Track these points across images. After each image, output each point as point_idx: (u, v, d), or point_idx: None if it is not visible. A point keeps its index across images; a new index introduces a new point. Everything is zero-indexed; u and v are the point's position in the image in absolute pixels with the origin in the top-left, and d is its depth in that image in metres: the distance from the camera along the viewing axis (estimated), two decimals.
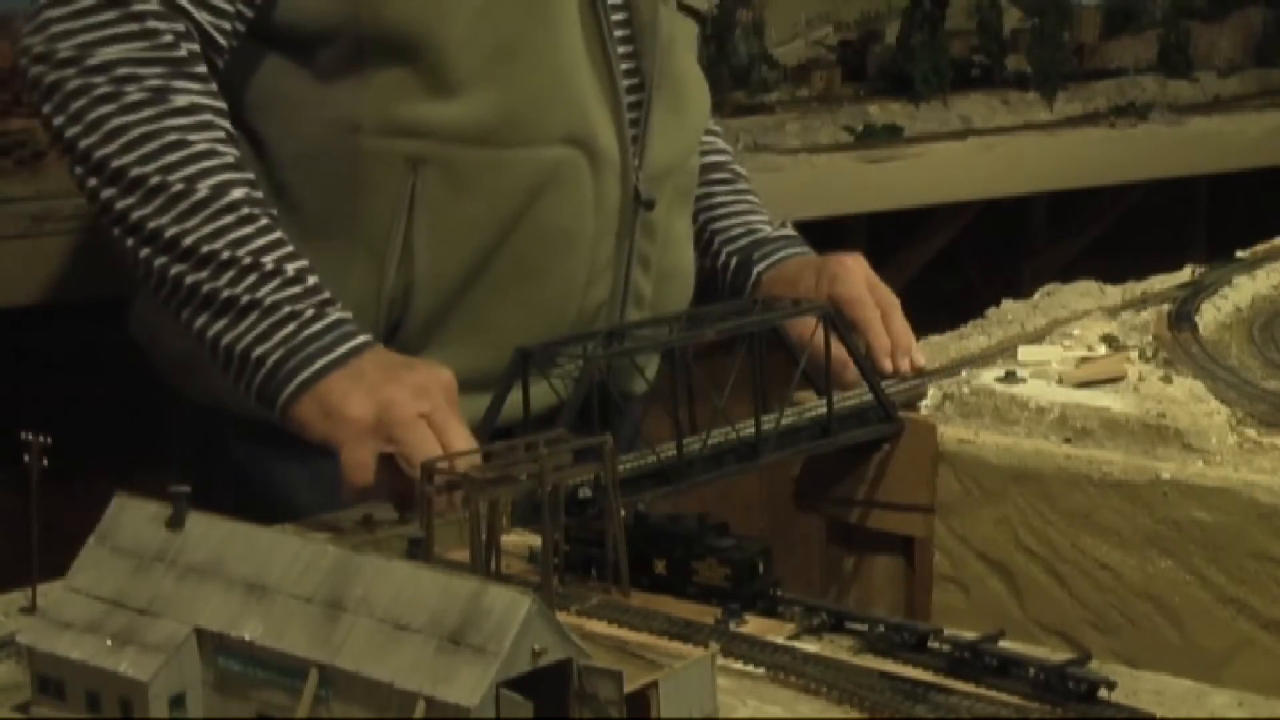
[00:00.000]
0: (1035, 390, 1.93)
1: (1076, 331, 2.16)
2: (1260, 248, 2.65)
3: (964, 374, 2.01)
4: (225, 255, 1.76)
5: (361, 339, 1.78)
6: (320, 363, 1.75)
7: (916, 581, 1.96)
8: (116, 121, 1.78)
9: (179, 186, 1.77)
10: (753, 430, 1.75)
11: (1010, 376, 1.97)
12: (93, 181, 1.79)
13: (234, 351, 1.77)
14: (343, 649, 1.13)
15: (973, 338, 2.22)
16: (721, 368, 1.72)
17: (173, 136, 1.78)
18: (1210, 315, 2.24)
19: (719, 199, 2.31)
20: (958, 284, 4.41)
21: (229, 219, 1.77)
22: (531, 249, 1.97)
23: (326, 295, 1.79)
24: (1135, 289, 2.44)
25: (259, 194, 1.82)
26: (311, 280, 1.79)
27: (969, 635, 1.36)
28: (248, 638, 1.17)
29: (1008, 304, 2.36)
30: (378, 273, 1.94)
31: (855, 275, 2.10)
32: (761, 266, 2.22)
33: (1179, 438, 1.80)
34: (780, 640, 1.38)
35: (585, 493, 1.54)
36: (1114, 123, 4.30)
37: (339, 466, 1.71)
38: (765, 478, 2.25)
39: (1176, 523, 1.76)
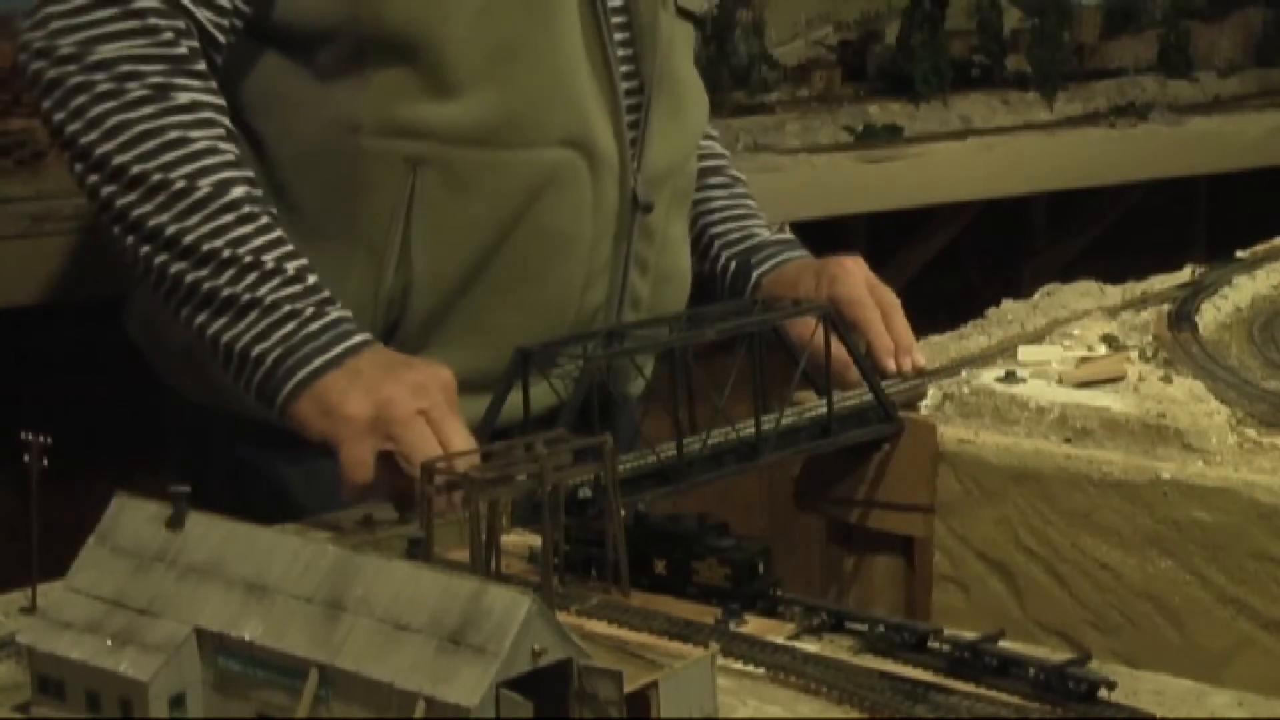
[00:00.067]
0: (1035, 390, 1.93)
1: (1076, 331, 2.16)
2: (1260, 248, 2.65)
3: (964, 374, 2.01)
4: (225, 253, 1.76)
5: (360, 338, 1.78)
6: (318, 361, 1.75)
7: (916, 581, 1.95)
8: (117, 118, 1.78)
9: (179, 184, 1.77)
10: (753, 430, 1.75)
11: (1010, 376, 1.97)
12: (93, 178, 1.79)
13: (233, 350, 1.77)
14: (343, 649, 1.13)
15: (973, 338, 2.22)
16: (721, 368, 1.72)
17: (173, 134, 1.78)
18: (1210, 315, 2.24)
19: (717, 203, 2.31)
20: (958, 284, 4.41)
21: (229, 217, 1.77)
22: (530, 251, 1.97)
23: (326, 294, 1.79)
24: (1135, 289, 2.44)
25: (259, 192, 1.82)
26: (311, 279, 1.79)
27: (969, 635, 1.36)
28: (248, 638, 1.17)
29: (1008, 304, 2.36)
30: (376, 273, 1.94)
31: (855, 277, 2.10)
32: (760, 270, 2.22)
33: (1179, 438, 1.80)
34: (780, 640, 1.38)
35: (585, 493, 1.54)
36: (1114, 123, 4.30)
37: (338, 465, 1.71)
38: (765, 478, 2.25)
39: (1176, 523, 1.76)
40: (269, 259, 1.77)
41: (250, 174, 1.83)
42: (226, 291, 1.76)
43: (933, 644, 1.36)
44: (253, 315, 1.76)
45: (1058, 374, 1.99)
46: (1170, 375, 1.96)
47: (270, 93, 1.95)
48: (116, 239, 1.81)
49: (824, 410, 1.83)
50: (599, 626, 1.38)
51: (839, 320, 1.87)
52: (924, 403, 1.97)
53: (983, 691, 1.28)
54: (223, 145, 1.80)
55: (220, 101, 1.84)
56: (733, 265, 2.25)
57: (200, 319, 1.78)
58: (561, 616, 1.31)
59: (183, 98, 1.80)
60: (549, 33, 1.95)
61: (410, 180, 1.92)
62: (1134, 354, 2.06)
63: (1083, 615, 1.83)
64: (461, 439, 1.68)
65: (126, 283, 2.16)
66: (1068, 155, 4.11)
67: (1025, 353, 2.08)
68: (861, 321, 2.06)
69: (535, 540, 1.49)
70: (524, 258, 1.97)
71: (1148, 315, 2.24)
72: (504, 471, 1.33)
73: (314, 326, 1.76)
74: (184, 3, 1.82)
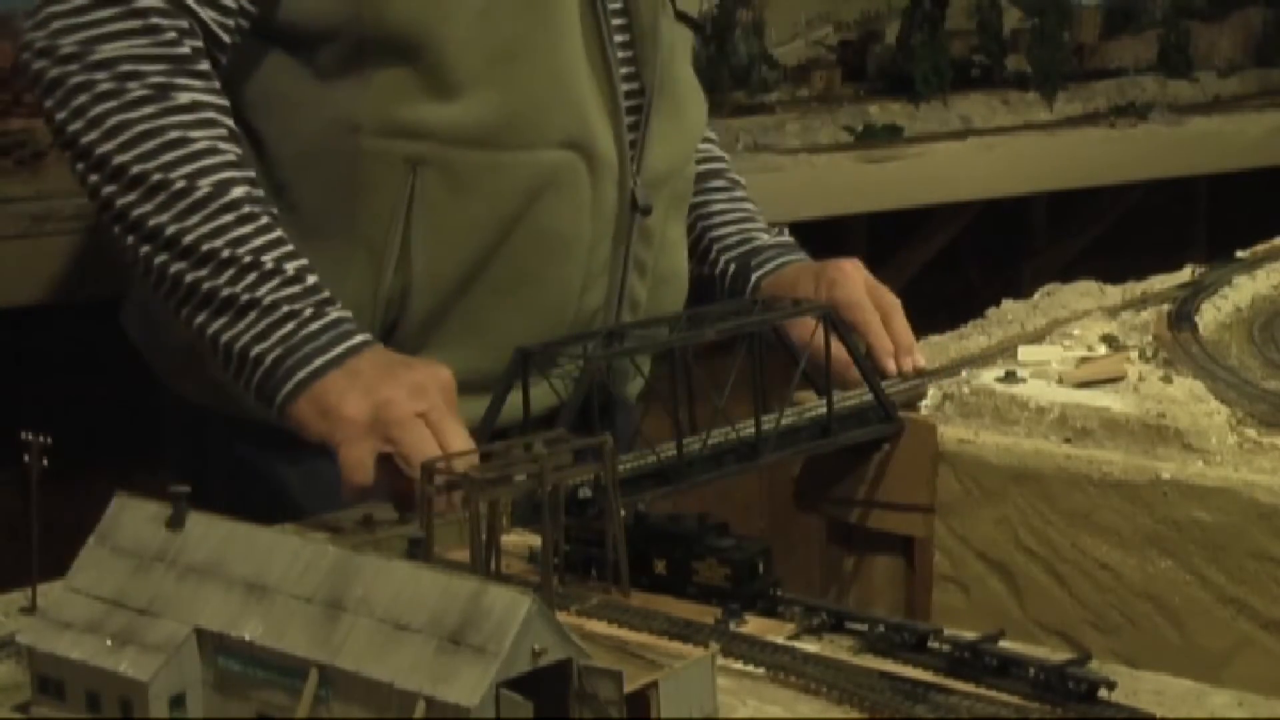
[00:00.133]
0: (1035, 390, 1.93)
1: (1076, 331, 2.16)
2: (1260, 248, 2.65)
3: (964, 374, 2.01)
4: (225, 253, 1.76)
5: (360, 338, 1.78)
6: (317, 362, 1.75)
7: (916, 581, 1.95)
8: (118, 118, 1.78)
9: (180, 184, 1.77)
10: (753, 430, 1.75)
11: (1010, 376, 1.97)
12: (94, 178, 1.79)
13: (232, 350, 1.77)
14: (343, 649, 1.13)
15: (973, 338, 2.22)
16: (721, 368, 1.72)
17: (174, 134, 1.78)
18: (1210, 315, 2.24)
19: (716, 206, 2.31)
20: (958, 284, 4.41)
21: (229, 217, 1.77)
22: (529, 252, 1.97)
23: (326, 294, 1.79)
24: (1135, 289, 2.44)
25: (260, 192, 1.82)
26: (311, 279, 1.79)
27: (969, 635, 1.36)
28: (248, 638, 1.17)
29: (1008, 304, 2.36)
30: (375, 273, 1.94)
31: (854, 280, 2.10)
32: (760, 274, 2.22)
33: (1179, 438, 1.80)
34: (780, 640, 1.38)
35: (585, 493, 1.54)
36: (1114, 123, 4.30)
37: (337, 466, 1.71)
38: (765, 478, 2.24)
39: (1176, 523, 1.76)
40: (268, 259, 1.77)
41: (251, 174, 1.82)
42: (226, 291, 1.76)
43: (933, 644, 1.36)
44: (252, 315, 1.76)
45: (1058, 374, 1.99)
46: (1170, 375, 1.95)
47: (271, 92, 1.95)
48: (117, 239, 1.81)
49: (824, 410, 1.83)
50: (599, 626, 1.38)
51: (839, 320, 1.87)
52: (924, 403, 1.97)
53: (983, 691, 1.28)
54: (224, 145, 1.80)
55: (223, 101, 1.83)
56: (732, 269, 2.25)
57: (200, 319, 1.78)
58: (561, 616, 1.31)
59: (184, 97, 1.80)
60: (549, 34, 1.95)
61: (410, 181, 1.92)
62: (1134, 354, 2.06)
63: (1083, 615, 1.83)
64: (460, 441, 1.68)
65: (124, 283, 2.17)
66: (1068, 155, 4.11)
67: (1025, 353, 2.08)
68: (861, 324, 2.06)
69: (535, 540, 1.49)
70: (523, 259, 1.97)
71: (1148, 315, 2.24)
72: (504, 471, 1.33)
73: (313, 327, 1.76)
74: (188, 2, 1.82)
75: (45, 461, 1.34)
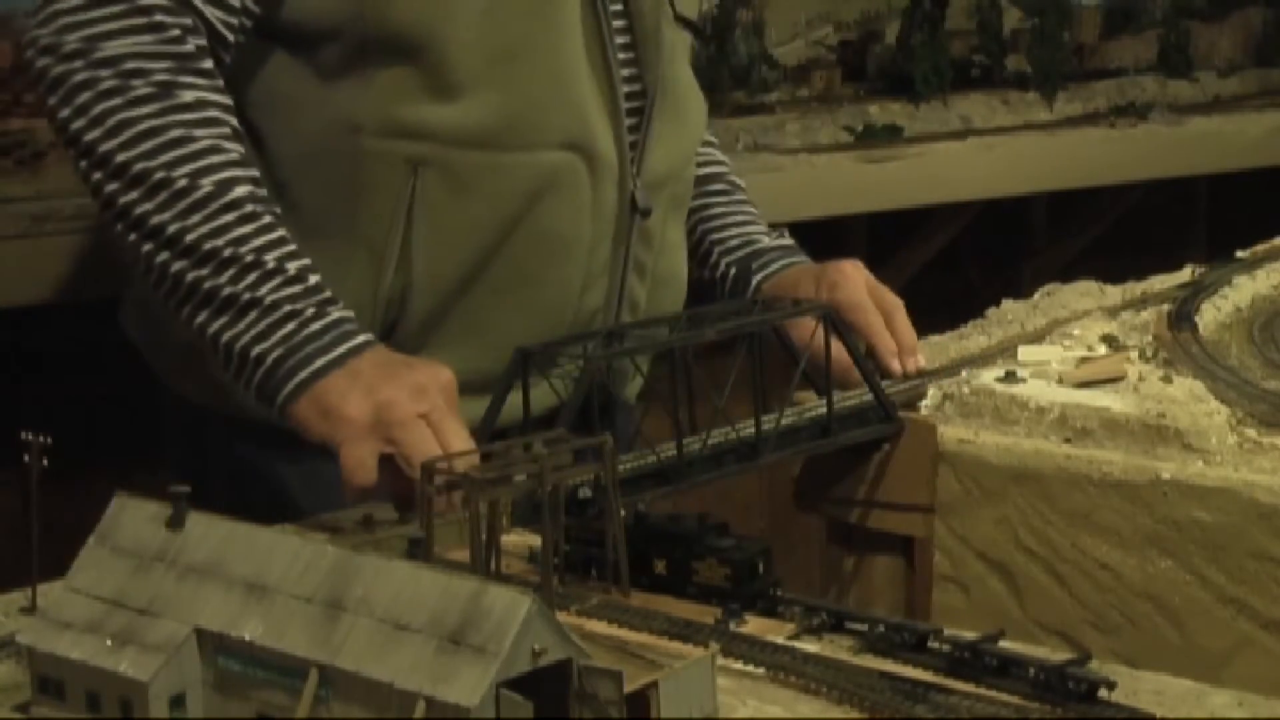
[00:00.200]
0: (1035, 390, 1.93)
1: (1076, 331, 2.16)
2: (1260, 248, 2.65)
3: (964, 374, 2.01)
4: (227, 253, 1.76)
5: (361, 339, 1.78)
6: (319, 363, 1.75)
7: (916, 581, 1.95)
8: (122, 116, 1.77)
9: (182, 182, 1.77)
10: (753, 430, 1.75)
11: (1010, 376, 1.97)
12: (96, 175, 1.79)
13: (233, 349, 1.77)
14: (343, 649, 1.13)
15: (973, 338, 2.22)
16: (721, 368, 1.72)
17: (178, 132, 1.78)
18: (1210, 315, 2.24)
19: (717, 210, 2.31)
20: (958, 284, 4.41)
21: (230, 216, 1.77)
22: (529, 253, 1.97)
23: (327, 294, 1.79)
24: (1135, 289, 2.44)
25: (263, 191, 1.82)
26: (313, 279, 1.79)
27: (969, 635, 1.36)
28: (248, 638, 1.17)
29: (1008, 304, 2.36)
30: (375, 274, 1.94)
31: (854, 281, 2.10)
32: (760, 276, 2.22)
33: (1179, 438, 1.80)
34: (780, 640, 1.38)
35: (585, 493, 1.54)
36: (1114, 123, 4.30)
37: (338, 466, 1.71)
38: (765, 478, 2.25)
39: (1176, 523, 1.76)
40: (270, 258, 1.77)
41: (254, 173, 1.82)
42: (227, 291, 1.76)
43: (933, 644, 1.36)
44: (253, 315, 1.76)
45: (1058, 374, 1.99)
46: (1170, 375, 1.95)
47: (273, 91, 1.95)
48: (118, 237, 1.81)
49: (824, 410, 1.83)
50: (599, 626, 1.38)
51: (839, 321, 1.87)
52: (924, 403, 1.97)
53: (983, 691, 1.28)
54: (226, 144, 1.80)
55: (226, 100, 1.83)
56: (732, 272, 2.25)
57: (201, 318, 1.78)
58: (561, 616, 1.31)
59: (187, 96, 1.79)
60: (550, 35, 1.95)
61: (411, 181, 1.92)
62: (1134, 354, 2.06)
63: (1083, 615, 1.83)
64: (461, 441, 1.68)
65: (123, 282, 2.17)
66: (1068, 155, 4.11)
67: (1025, 353, 2.08)
68: (862, 325, 2.06)
69: (535, 540, 1.49)
70: (523, 260, 1.97)
71: (1148, 315, 2.24)
72: (504, 472, 1.33)
73: (315, 327, 1.76)
74: (192, 0, 1.82)
75: (45, 461, 1.34)
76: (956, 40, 4.32)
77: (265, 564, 1.20)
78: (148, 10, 1.79)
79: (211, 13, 1.83)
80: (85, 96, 1.78)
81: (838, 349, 1.85)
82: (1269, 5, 4.83)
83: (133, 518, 1.27)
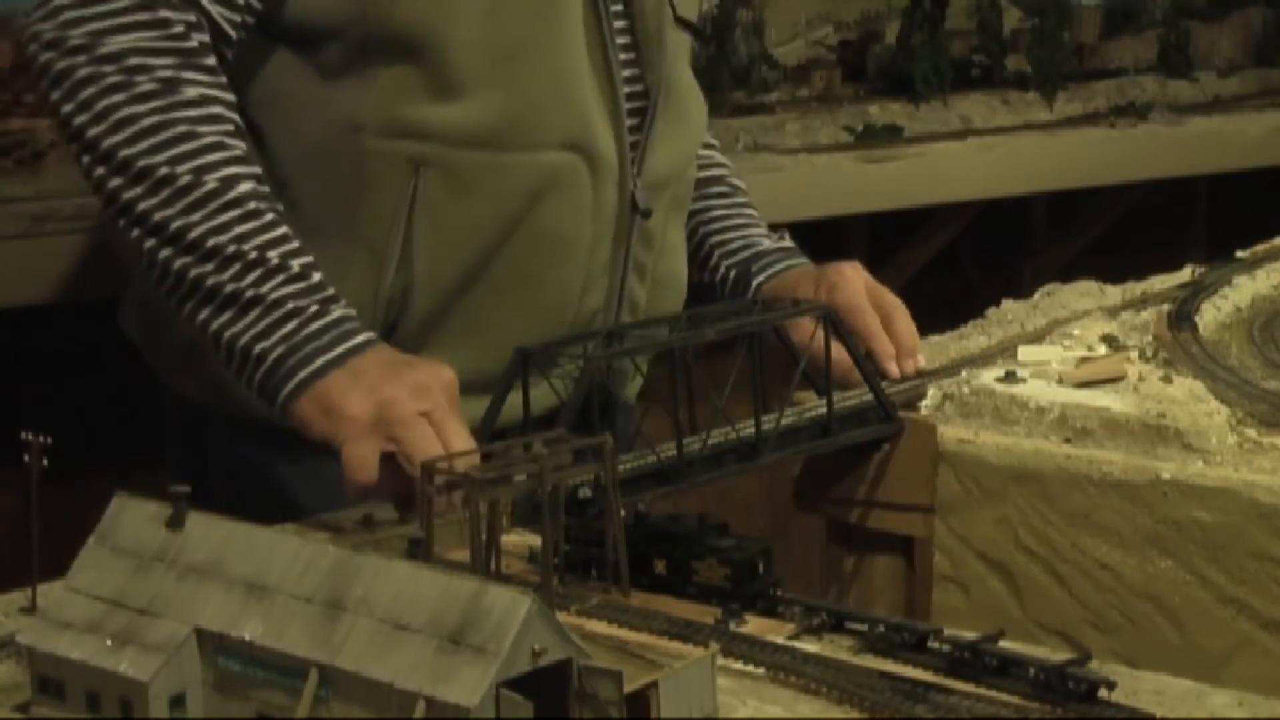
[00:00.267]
0: (1035, 390, 1.93)
1: (1076, 331, 2.16)
2: (1260, 248, 2.64)
3: (964, 374, 2.01)
4: (229, 249, 1.76)
5: (363, 337, 1.78)
6: (320, 361, 1.75)
7: (916, 581, 1.95)
8: (126, 111, 1.77)
9: (186, 179, 1.76)
10: (753, 430, 1.75)
11: (1010, 376, 1.97)
12: (100, 171, 1.79)
13: (235, 347, 1.77)
14: (343, 649, 1.13)
15: (973, 338, 2.22)
16: (721, 368, 1.72)
17: (182, 128, 1.78)
18: (1210, 315, 2.24)
19: (717, 212, 2.31)
20: (958, 284, 4.41)
21: (234, 213, 1.77)
22: (529, 253, 1.97)
23: (330, 292, 1.79)
24: (1135, 289, 2.44)
25: (266, 188, 1.82)
26: (316, 276, 1.79)
27: (969, 635, 1.36)
28: (248, 638, 1.17)
29: (1008, 304, 2.36)
30: (376, 273, 1.94)
31: (854, 283, 2.10)
32: (761, 279, 2.22)
33: (1179, 438, 1.80)
34: (780, 640, 1.38)
35: (585, 493, 1.54)
36: (1114, 123, 4.30)
37: (339, 465, 1.71)
38: (765, 478, 2.25)
39: (1176, 523, 1.76)
40: (273, 255, 1.77)
41: (258, 170, 1.82)
42: (230, 288, 1.76)
43: (933, 644, 1.36)
44: (255, 312, 1.76)
45: (1058, 374, 1.99)
46: (1170, 375, 1.95)
47: (275, 90, 1.95)
48: (121, 233, 1.81)
49: (824, 410, 1.83)
50: (599, 626, 1.38)
51: (838, 321, 1.87)
52: (924, 403, 1.97)
53: (983, 691, 1.28)
54: (230, 140, 1.80)
55: (230, 96, 1.83)
56: (733, 274, 2.25)
57: (203, 315, 1.78)
58: (561, 616, 1.31)
59: (191, 92, 1.79)
60: (552, 36, 1.95)
61: (412, 181, 1.92)
62: (1134, 354, 2.06)
63: (1083, 615, 1.83)
64: (462, 440, 1.68)
65: (123, 282, 2.17)
66: (1068, 155, 4.11)
67: (1025, 353, 2.08)
68: (861, 327, 2.05)
69: (535, 540, 1.49)
70: (524, 260, 1.97)
71: (1148, 315, 2.24)
72: (504, 471, 1.33)
73: (316, 325, 1.76)
74: None
75: (45, 461, 1.34)
76: (956, 40, 4.32)
77: (265, 564, 1.20)
78: (151, 5, 1.79)
79: (215, 9, 1.83)
80: (88, 92, 1.78)
81: (838, 349, 1.85)
82: (1269, 5, 4.83)
83: (133, 518, 1.27)
